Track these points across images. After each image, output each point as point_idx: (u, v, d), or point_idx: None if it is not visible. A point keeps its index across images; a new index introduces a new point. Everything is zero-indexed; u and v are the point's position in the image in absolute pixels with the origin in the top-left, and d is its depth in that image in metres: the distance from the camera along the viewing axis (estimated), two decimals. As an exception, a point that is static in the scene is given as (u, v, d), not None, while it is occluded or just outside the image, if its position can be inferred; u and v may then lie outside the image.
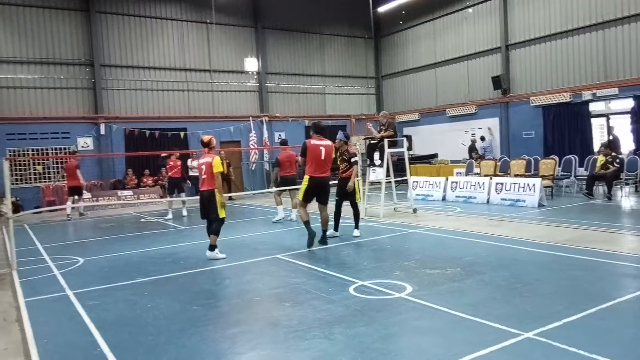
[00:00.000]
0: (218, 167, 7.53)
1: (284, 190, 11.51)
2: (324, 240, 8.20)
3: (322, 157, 7.94)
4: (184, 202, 13.72)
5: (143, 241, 9.84)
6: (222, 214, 7.60)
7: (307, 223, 8.08)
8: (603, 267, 6.17)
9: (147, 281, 6.53)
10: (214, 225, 7.65)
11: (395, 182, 12.08)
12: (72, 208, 14.73)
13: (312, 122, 8.43)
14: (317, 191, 8.07)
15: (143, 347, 4.26)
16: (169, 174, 13.44)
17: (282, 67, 22.74)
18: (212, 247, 7.62)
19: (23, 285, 6.58)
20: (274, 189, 12.10)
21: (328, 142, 8.15)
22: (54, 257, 8.39)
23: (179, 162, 13.41)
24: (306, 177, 8.05)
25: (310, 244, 7.99)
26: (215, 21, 20.59)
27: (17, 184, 16.64)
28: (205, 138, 7.89)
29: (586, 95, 16.62)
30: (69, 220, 14.35)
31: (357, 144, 12.84)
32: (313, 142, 8.08)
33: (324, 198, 8.21)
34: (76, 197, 14.75)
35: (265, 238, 9.61)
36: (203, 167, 7.65)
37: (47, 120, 17.64)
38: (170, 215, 13.25)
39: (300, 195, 8.16)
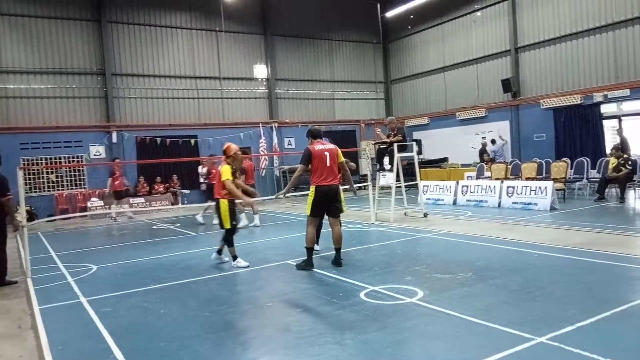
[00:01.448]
0: (224, 174, 7.29)
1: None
2: (337, 261, 7.14)
3: (328, 163, 7.13)
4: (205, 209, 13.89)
5: (155, 248, 9.91)
6: (226, 224, 7.40)
7: (310, 250, 7.13)
8: (617, 271, 6.11)
9: (160, 288, 6.57)
10: (223, 235, 7.59)
11: (406, 186, 12.07)
12: (118, 212, 15.66)
13: (309, 129, 7.55)
14: (326, 202, 7.13)
15: (156, 353, 4.29)
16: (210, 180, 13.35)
17: (291, 74, 22.84)
18: (220, 251, 7.75)
19: (37, 293, 6.65)
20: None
21: (332, 146, 7.38)
22: (67, 265, 8.48)
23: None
24: (312, 188, 7.13)
25: (302, 268, 7.05)
26: (225, 29, 20.77)
27: (30, 192, 16.83)
28: (225, 145, 7.67)
29: (597, 97, 16.49)
30: (130, 218, 15.54)
31: (367, 149, 12.86)
32: (317, 147, 7.19)
33: (335, 210, 7.24)
34: (116, 201, 15.64)
35: (275, 244, 9.64)
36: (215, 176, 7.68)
37: (60, 129, 17.87)
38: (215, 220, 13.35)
39: (307, 210, 7.19)
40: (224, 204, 7.41)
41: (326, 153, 7.18)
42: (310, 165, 7.14)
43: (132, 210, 16.06)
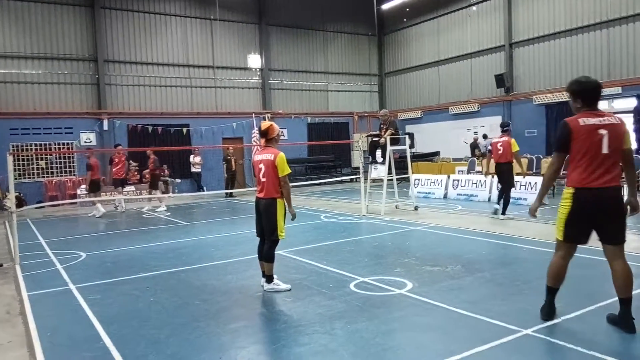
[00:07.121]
0: (282, 167, 5.38)
1: (97, 192, 13.81)
2: (627, 321, 4.02)
3: (605, 149, 3.96)
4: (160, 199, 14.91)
5: (145, 236, 9.88)
6: (281, 233, 5.53)
7: (553, 291, 4.36)
8: (604, 266, 6.13)
9: (149, 276, 6.57)
10: (266, 247, 5.58)
11: (397, 179, 12.11)
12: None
13: (578, 84, 4.09)
14: (594, 216, 4.15)
15: (145, 340, 4.30)
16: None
17: (285, 64, 22.73)
18: (269, 278, 5.62)
19: (26, 279, 6.62)
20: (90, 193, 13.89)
21: (614, 120, 4.01)
22: (56, 252, 8.44)
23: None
24: (569, 191, 4.12)
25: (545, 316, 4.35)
26: (219, 17, 20.61)
27: (20, 178, 16.66)
28: (264, 125, 5.61)
29: (589, 94, 16.55)
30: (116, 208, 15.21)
31: (360, 142, 12.86)
32: (587, 121, 3.97)
33: (614, 230, 4.23)
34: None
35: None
36: (261, 165, 5.49)
37: (51, 115, 17.69)
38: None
39: (559, 233, 4.31)
40: (281, 205, 5.53)
41: (602, 131, 3.96)
42: (569, 153, 4.08)
43: (124, 198, 15.85)
